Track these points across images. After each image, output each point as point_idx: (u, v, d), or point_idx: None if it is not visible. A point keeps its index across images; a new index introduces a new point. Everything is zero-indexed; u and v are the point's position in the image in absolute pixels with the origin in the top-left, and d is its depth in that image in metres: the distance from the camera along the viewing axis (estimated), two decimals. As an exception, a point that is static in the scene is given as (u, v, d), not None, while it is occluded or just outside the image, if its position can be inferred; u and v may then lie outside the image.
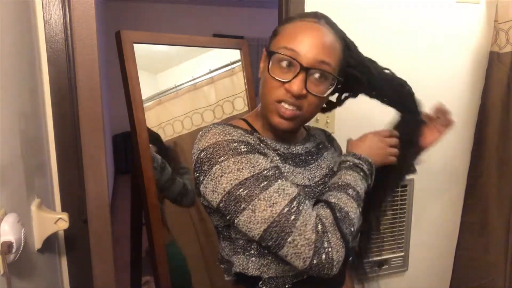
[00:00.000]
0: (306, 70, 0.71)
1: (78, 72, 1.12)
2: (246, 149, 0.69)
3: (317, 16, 0.76)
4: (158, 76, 1.47)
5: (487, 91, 1.64)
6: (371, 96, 0.90)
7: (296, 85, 0.70)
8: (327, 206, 0.70)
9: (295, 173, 0.78)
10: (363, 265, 0.96)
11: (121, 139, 5.20)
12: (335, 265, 0.65)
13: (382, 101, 0.92)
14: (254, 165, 0.67)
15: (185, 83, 1.50)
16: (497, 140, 1.64)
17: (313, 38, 0.72)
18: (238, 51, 1.57)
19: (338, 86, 0.80)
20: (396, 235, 1.70)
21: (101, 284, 1.21)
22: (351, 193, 0.74)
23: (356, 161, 0.81)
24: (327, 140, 0.99)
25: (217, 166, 0.67)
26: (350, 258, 0.87)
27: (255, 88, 1.57)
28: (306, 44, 0.71)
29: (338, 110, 0.95)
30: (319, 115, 1.45)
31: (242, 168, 0.66)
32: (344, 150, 0.92)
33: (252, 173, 0.66)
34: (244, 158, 0.67)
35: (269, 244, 0.65)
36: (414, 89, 0.93)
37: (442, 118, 0.95)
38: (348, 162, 0.81)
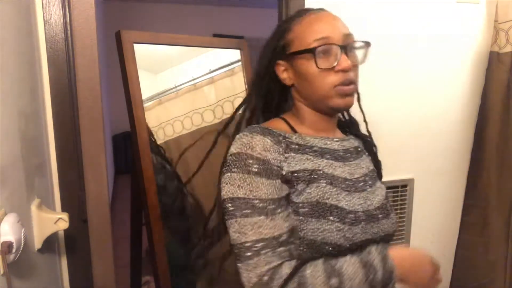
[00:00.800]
0: (343, 47, 0.76)
1: (78, 72, 1.12)
2: (256, 170, 0.71)
3: (315, 8, 0.83)
4: (158, 76, 1.47)
5: (487, 91, 1.64)
6: None
7: (345, 62, 0.75)
8: (296, 271, 0.68)
9: (334, 166, 0.79)
10: None
11: (121, 139, 5.20)
12: None
13: None
14: (252, 190, 0.70)
15: (185, 83, 1.50)
16: (497, 140, 1.64)
17: (331, 20, 0.79)
18: (238, 51, 1.57)
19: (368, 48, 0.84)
20: (396, 235, 1.70)
21: (101, 284, 1.21)
22: (333, 282, 0.67)
23: (378, 264, 0.70)
24: (364, 147, 0.94)
25: (229, 174, 0.73)
26: None
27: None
28: (330, 28, 0.77)
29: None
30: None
31: (242, 187, 0.71)
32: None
33: (245, 196, 0.70)
34: (249, 179, 0.71)
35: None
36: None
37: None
38: (370, 256, 0.71)
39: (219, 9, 5.68)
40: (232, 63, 1.56)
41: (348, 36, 0.78)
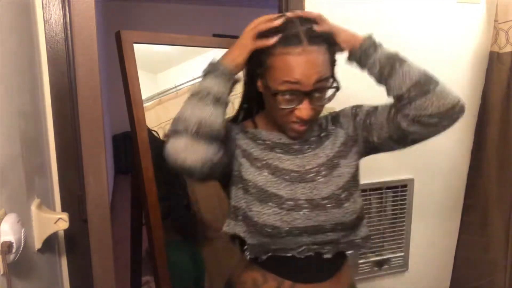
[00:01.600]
0: (308, 94, 0.78)
1: (78, 72, 1.12)
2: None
3: (298, 37, 0.76)
4: (158, 76, 1.47)
5: (487, 91, 1.64)
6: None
7: (305, 112, 0.79)
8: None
9: (281, 159, 0.85)
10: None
11: (121, 139, 5.19)
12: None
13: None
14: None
15: (185, 83, 1.50)
16: (497, 140, 1.64)
17: (305, 64, 0.76)
18: (238, 51, 1.56)
19: (335, 85, 0.82)
20: (396, 235, 1.70)
21: (101, 284, 1.21)
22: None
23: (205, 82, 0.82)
24: (332, 123, 0.94)
25: None
26: (350, 252, 0.86)
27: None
28: (301, 72, 0.76)
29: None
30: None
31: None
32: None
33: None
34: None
35: None
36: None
37: None
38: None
39: (219, 9, 5.68)
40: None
41: (318, 82, 0.77)
